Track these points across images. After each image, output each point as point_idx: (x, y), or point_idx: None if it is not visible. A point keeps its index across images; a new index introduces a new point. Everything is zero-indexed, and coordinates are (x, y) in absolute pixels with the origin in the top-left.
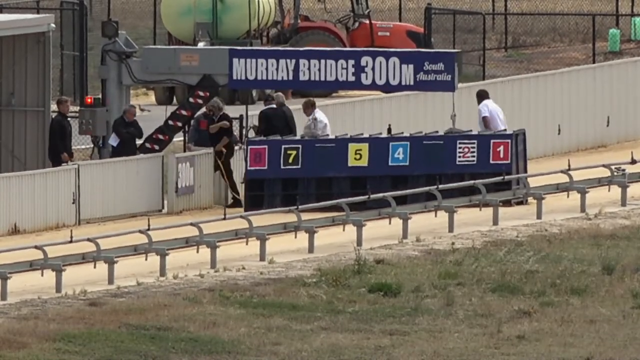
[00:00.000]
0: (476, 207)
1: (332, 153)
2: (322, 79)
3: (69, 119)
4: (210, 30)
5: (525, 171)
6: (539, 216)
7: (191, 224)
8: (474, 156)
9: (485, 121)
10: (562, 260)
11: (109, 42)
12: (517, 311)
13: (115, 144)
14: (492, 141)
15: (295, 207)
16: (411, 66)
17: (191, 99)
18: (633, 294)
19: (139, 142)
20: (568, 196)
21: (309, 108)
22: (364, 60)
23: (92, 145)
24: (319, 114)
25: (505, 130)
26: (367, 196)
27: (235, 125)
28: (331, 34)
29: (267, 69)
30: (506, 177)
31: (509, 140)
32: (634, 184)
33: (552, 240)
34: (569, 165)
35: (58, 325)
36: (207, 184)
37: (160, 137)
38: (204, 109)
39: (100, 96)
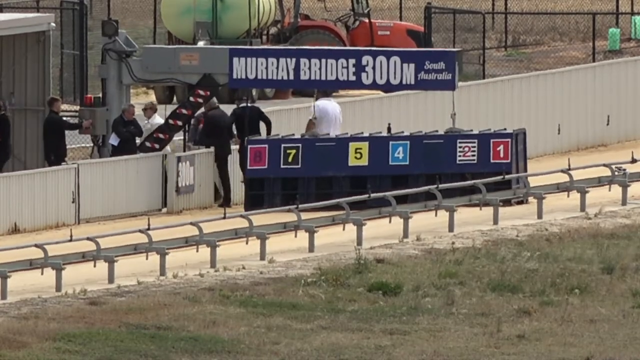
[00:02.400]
0: (476, 207)
1: (332, 152)
2: (323, 78)
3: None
4: (210, 30)
5: (526, 170)
6: (539, 215)
7: (191, 224)
8: (474, 155)
9: (308, 125)
10: (562, 259)
11: (109, 41)
12: (517, 310)
13: (115, 144)
14: (492, 140)
15: (295, 206)
16: (412, 65)
17: (191, 98)
18: (633, 293)
19: (138, 140)
20: (568, 195)
21: (147, 111)
22: (365, 59)
23: (91, 144)
24: (158, 119)
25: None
26: (367, 195)
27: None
28: (331, 33)
29: (267, 68)
30: (506, 176)
31: (509, 140)
32: (634, 183)
33: (552, 239)
34: (569, 165)
35: (58, 325)
36: (207, 183)
37: (161, 136)
38: (203, 108)
39: (100, 95)
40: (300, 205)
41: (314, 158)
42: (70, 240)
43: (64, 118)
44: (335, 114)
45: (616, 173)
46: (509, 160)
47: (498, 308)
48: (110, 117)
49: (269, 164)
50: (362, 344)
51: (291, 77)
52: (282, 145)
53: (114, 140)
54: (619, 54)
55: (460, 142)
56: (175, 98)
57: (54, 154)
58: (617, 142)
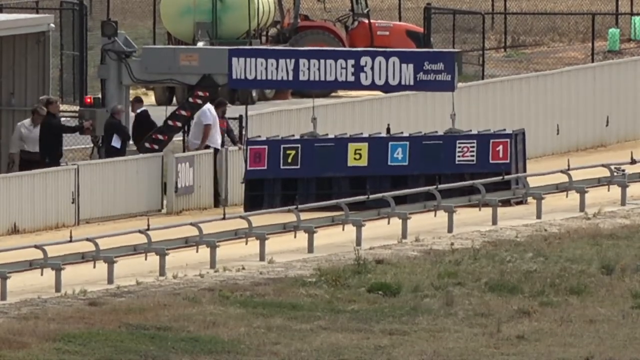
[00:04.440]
0: (475, 207)
1: (331, 153)
2: (322, 78)
3: (61, 119)
4: (210, 30)
5: (525, 171)
6: (538, 216)
7: (191, 224)
8: (473, 156)
9: (206, 130)
10: (562, 260)
11: (108, 41)
12: (517, 311)
13: (119, 146)
14: (491, 141)
15: (295, 207)
16: (411, 66)
17: (191, 99)
18: (632, 293)
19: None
20: (567, 196)
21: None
22: (364, 60)
23: (91, 145)
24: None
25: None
26: (366, 196)
27: (235, 126)
28: (331, 34)
29: (266, 68)
30: (505, 176)
31: (509, 140)
32: (633, 183)
33: (551, 240)
34: (569, 165)
35: (58, 325)
36: (207, 184)
37: (160, 137)
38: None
39: (100, 96)
40: (299, 206)
41: (313, 159)
42: (70, 241)
43: (63, 119)
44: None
45: (615, 173)
46: (508, 161)
47: (497, 308)
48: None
49: (269, 164)
50: (362, 344)
51: (290, 77)
52: (282, 145)
53: (116, 142)
54: (619, 54)
55: (459, 143)
56: (175, 99)
57: (50, 156)
58: (617, 143)
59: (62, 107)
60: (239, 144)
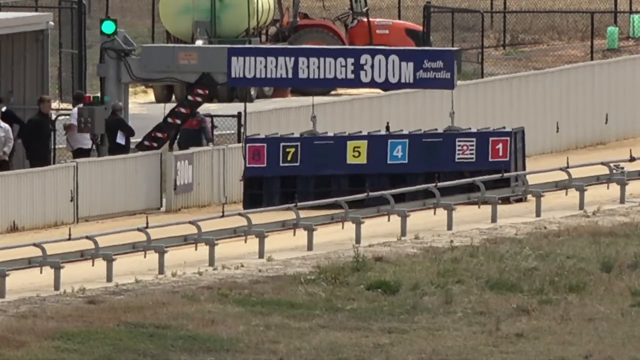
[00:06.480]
0: (475, 205)
1: (330, 151)
2: (321, 76)
3: (53, 118)
4: (209, 29)
5: (524, 169)
6: (537, 214)
7: (190, 222)
8: (472, 154)
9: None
10: (561, 257)
11: (107, 40)
12: (516, 309)
13: (123, 142)
14: (490, 139)
15: (294, 204)
16: (411, 64)
17: (190, 97)
18: (631, 291)
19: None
20: (567, 194)
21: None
22: (363, 58)
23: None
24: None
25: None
26: (365, 194)
27: (234, 124)
28: (330, 32)
29: (266, 67)
30: (505, 174)
31: (508, 138)
32: (632, 181)
33: (550, 237)
34: (568, 163)
35: (57, 323)
36: (206, 181)
37: (159, 135)
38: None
39: (99, 94)
40: (299, 204)
41: (312, 156)
42: (69, 239)
43: (61, 117)
44: None
45: (614, 171)
46: (507, 159)
47: (497, 306)
48: (108, 117)
49: (268, 162)
50: (361, 342)
51: (290, 75)
52: (281, 143)
53: (121, 139)
54: (618, 52)
55: (459, 141)
56: (174, 97)
57: (38, 154)
58: (616, 141)
59: (61, 105)
60: (211, 143)
